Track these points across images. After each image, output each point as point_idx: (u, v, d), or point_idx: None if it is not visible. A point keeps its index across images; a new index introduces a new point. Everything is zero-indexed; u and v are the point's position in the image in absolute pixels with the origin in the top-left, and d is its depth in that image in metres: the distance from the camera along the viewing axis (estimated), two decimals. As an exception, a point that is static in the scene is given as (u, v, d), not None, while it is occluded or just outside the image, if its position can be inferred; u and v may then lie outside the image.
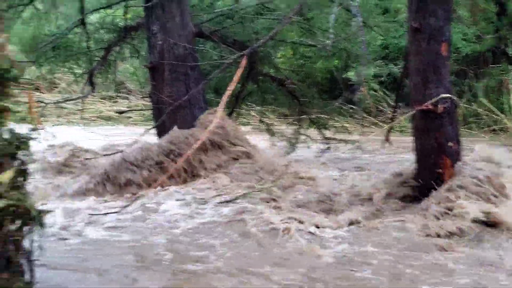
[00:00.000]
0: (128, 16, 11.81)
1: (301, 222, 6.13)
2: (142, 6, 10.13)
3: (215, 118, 7.30)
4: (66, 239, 5.97)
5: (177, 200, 7.38)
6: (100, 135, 14.34)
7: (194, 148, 7.32)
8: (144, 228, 6.36)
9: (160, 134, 9.51)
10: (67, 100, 15.94)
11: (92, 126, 18.74)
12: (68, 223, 6.49)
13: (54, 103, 14.17)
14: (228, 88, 7.13)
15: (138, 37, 11.48)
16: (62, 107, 20.40)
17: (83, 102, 15.78)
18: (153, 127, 9.57)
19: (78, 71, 13.53)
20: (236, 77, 7.05)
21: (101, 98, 23.04)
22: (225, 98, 7.12)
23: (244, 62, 7.29)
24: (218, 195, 7.43)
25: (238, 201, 7.05)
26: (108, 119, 22.12)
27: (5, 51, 3.94)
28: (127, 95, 24.31)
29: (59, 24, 13.32)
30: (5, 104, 3.98)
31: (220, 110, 7.26)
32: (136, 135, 13.30)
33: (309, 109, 11.13)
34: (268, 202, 7.01)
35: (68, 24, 12.36)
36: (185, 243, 5.77)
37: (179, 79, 9.48)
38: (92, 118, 21.19)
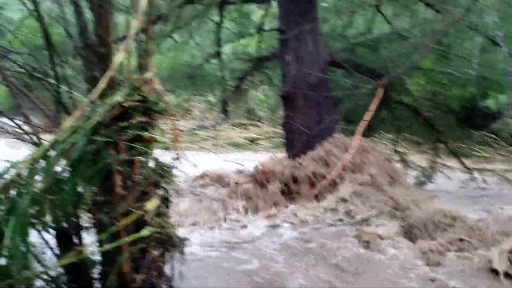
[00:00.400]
0: (262, 46, 12.13)
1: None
2: (277, 38, 10.32)
3: (354, 140, 7.18)
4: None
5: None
6: (233, 162, 14.71)
7: (339, 167, 7.24)
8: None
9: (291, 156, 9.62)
10: (202, 128, 16.57)
11: (223, 153, 19.32)
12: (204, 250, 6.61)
13: (189, 130, 14.81)
14: (365, 118, 7.05)
15: (271, 66, 11.73)
16: (195, 134, 21.27)
17: (216, 129, 16.33)
18: (289, 157, 9.61)
19: (211, 98, 14.10)
20: (372, 107, 6.96)
21: (232, 125, 23.73)
22: (361, 128, 7.04)
23: (380, 91, 7.18)
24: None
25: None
26: (239, 145, 22.78)
27: (153, 84, 4.18)
28: (257, 122, 24.85)
29: (194, 53, 14.00)
30: (152, 135, 4.21)
31: (355, 140, 7.17)
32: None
33: (446, 138, 10.69)
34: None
35: (203, 54, 12.98)
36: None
37: (311, 107, 9.54)
38: (224, 145, 21.87)
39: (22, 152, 5.21)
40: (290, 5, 9.67)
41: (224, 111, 11.98)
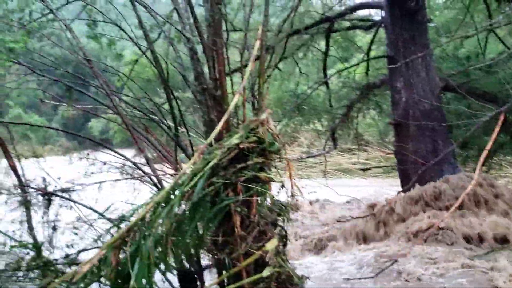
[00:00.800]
0: (371, 74, 11.99)
1: None
2: (385, 64, 10.16)
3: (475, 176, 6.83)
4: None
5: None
6: (344, 188, 14.53)
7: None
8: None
9: (404, 189, 9.34)
10: (310, 157, 16.54)
11: (331, 179, 19.14)
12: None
13: (298, 159, 14.84)
14: (486, 148, 6.72)
15: (380, 92, 11.54)
16: (302, 161, 21.25)
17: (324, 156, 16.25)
18: (403, 190, 9.29)
19: (318, 126, 14.06)
20: (494, 135, 6.61)
21: (340, 151, 23.51)
22: (482, 160, 6.71)
23: (502, 118, 6.82)
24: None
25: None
26: (347, 171, 22.52)
27: (269, 125, 4.22)
28: (365, 147, 24.47)
29: (300, 82, 14.07)
30: (269, 175, 4.24)
31: (477, 173, 6.83)
32: (379, 189, 13.34)
33: None
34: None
35: (309, 83, 13.01)
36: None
37: (425, 135, 9.26)
38: (331, 171, 21.68)
39: (142, 193, 5.46)
40: (399, 30, 9.48)
41: (333, 139, 11.88)
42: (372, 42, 12.10)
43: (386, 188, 16.40)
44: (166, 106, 7.19)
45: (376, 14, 13.03)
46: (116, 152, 5.46)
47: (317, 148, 22.49)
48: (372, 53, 12.50)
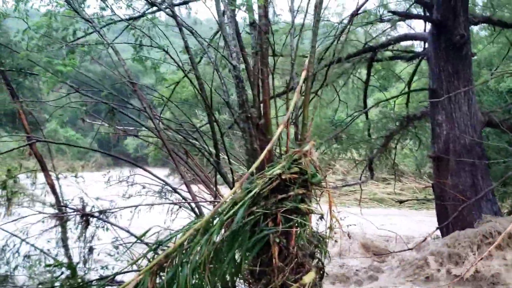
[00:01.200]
0: (410, 105, 11.89)
1: None
2: (428, 101, 10.05)
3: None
4: None
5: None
6: (378, 218, 14.35)
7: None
8: None
9: (442, 222, 9.23)
10: (346, 185, 16.42)
11: (365, 208, 18.93)
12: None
13: (334, 188, 14.73)
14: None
15: (421, 125, 11.42)
16: (336, 189, 21.09)
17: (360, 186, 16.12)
18: (439, 228, 9.13)
19: (355, 155, 13.96)
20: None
21: (375, 180, 23.26)
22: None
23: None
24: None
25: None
26: (381, 201, 22.28)
27: (311, 157, 4.20)
28: (400, 178, 24.19)
29: (339, 109, 14.02)
30: (309, 207, 4.20)
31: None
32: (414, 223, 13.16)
33: None
34: None
35: (348, 111, 12.96)
36: None
37: (465, 169, 9.10)
38: (365, 199, 21.45)
39: (179, 217, 5.47)
40: (443, 64, 9.38)
41: (370, 169, 11.78)
42: (414, 73, 12.03)
43: (421, 221, 16.17)
44: (203, 127, 7.27)
45: (419, 46, 12.98)
46: (153, 175, 5.49)
47: (351, 176, 22.34)
48: (413, 85, 12.42)
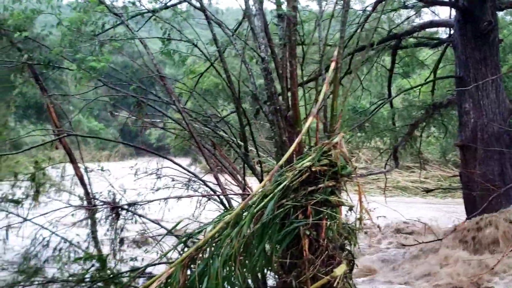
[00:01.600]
0: (437, 93, 11.77)
1: None
2: (455, 89, 9.94)
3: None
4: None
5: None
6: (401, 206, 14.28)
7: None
8: None
9: (469, 211, 9.17)
10: (371, 174, 16.35)
11: (389, 197, 18.83)
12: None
13: (359, 176, 14.64)
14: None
15: (447, 113, 11.30)
16: (361, 178, 20.98)
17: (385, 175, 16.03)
18: (469, 218, 9.06)
19: (379, 144, 13.89)
20: None
21: (398, 168, 23.08)
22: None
23: None
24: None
25: None
26: (404, 189, 22.12)
27: (341, 148, 4.19)
28: (424, 165, 23.99)
29: (362, 98, 13.93)
30: (339, 199, 4.19)
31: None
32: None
33: None
34: None
35: (372, 100, 12.85)
36: None
37: (493, 158, 9.01)
38: (388, 188, 21.34)
39: (207, 209, 5.48)
40: (470, 51, 9.25)
41: (395, 158, 11.70)
42: (440, 60, 11.88)
43: (446, 210, 16.05)
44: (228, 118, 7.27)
45: (444, 32, 12.83)
46: (182, 167, 5.51)
47: (374, 164, 22.23)
48: (438, 72, 12.26)
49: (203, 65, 9.67)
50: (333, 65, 4.24)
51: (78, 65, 4.42)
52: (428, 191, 15.77)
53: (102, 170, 6.00)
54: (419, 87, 11.98)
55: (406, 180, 22.77)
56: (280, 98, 4.42)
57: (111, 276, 5.04)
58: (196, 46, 5.04)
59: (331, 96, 4.58)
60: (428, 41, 11.71)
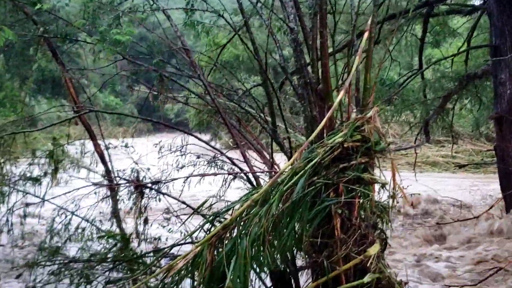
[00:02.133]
0: (471, 63, 11.58)
1: None
2: (489, 60, 9.77)
3: None
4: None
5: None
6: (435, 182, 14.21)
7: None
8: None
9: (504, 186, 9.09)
10: (401, 149, 16.22)
11: (418, 172, 18.72)
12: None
13: (392, 151, 14.53)
14: None
15: (481, 84, 11.14)
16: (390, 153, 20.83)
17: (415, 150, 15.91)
18: (504, 196, 8.99)
19: (410, 117, 13.74)
20: None
21: (428, 143, 22.91)
22: None
23: None
24: None
25: None
26: (434, 164, 21.98)
27: (375, 123, 4.14)
28: (455, 139, 23.77)
29: (391, 69, 13.75)
30: (372, 177, 4.16)
31: None
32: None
33: None
34: None
35: (402, 72, 12.68)
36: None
37: (530, 130, 8.90)
38: (418, 164, 21.20)
39: (232, 188, 5.48)
40: (505, 18, 9.08)
41: (425, 132, 11.58)
42: (474, 29, 11.67)
43: (478, 186, 15.92)
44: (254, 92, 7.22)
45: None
46: (208, 144, 5.51)
47: (403, 139, 22.05)
48: (472, 41, 12.06)
49: (224, 37, 9.61)
50: (366, 34, 4.17)
51: (101, 38, 4.41)
52: (460, 166, 15.63)
53: (126, 146, 6.01)
54: (452, 57, 11.78)
55: (436, 155, 22.62)
56: (310, 70, 4.36)
57: (135, 255, 5.08)
58: (222, 16, 5.00)
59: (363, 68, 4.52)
60: (461, 8, 11.50)
